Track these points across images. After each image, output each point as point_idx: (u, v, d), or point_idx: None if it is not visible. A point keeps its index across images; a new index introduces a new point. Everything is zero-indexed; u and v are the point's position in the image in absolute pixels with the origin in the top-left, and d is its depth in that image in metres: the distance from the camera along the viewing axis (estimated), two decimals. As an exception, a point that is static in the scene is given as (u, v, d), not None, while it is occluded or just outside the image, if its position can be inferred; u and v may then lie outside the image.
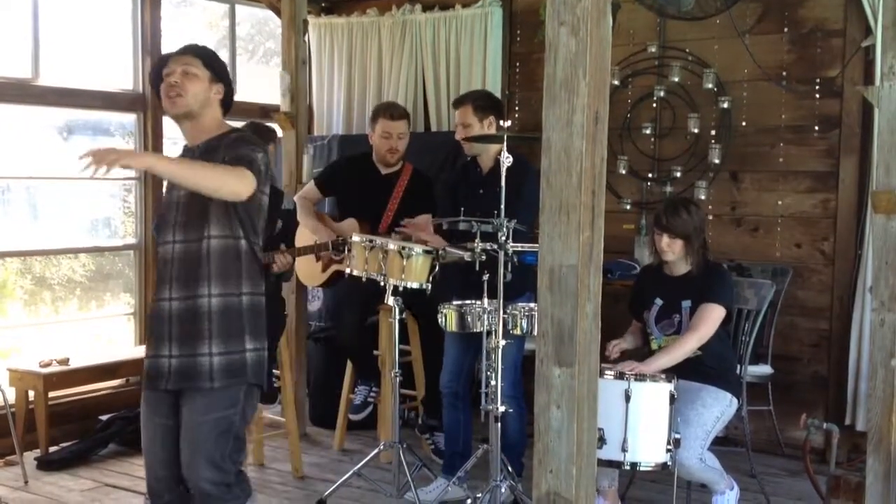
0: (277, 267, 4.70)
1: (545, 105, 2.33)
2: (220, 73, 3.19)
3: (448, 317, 4.20)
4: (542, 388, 2.40)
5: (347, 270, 4.48)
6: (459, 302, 4.23)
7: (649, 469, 3.79)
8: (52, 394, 5.29)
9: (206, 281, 3.03)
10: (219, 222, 3.03)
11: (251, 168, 2.96)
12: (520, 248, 3.91)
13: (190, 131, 3.18)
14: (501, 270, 3.85)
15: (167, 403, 3.13)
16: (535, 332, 3.81)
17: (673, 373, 3.85)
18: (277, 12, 6.02)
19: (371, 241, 4.32)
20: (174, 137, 6.45)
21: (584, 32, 2.24)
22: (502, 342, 3.92)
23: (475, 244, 3.96)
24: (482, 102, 4.55)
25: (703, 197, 5.52)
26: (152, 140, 6.12)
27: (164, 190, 3.29)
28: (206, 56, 3.17)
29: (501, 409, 3.96)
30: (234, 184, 2.92)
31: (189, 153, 3.17)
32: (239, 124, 4.85)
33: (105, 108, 6.04)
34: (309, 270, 5.46)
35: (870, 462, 3.72)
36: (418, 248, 4.21)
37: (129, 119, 6.16)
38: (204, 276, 3.03)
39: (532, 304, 4.08)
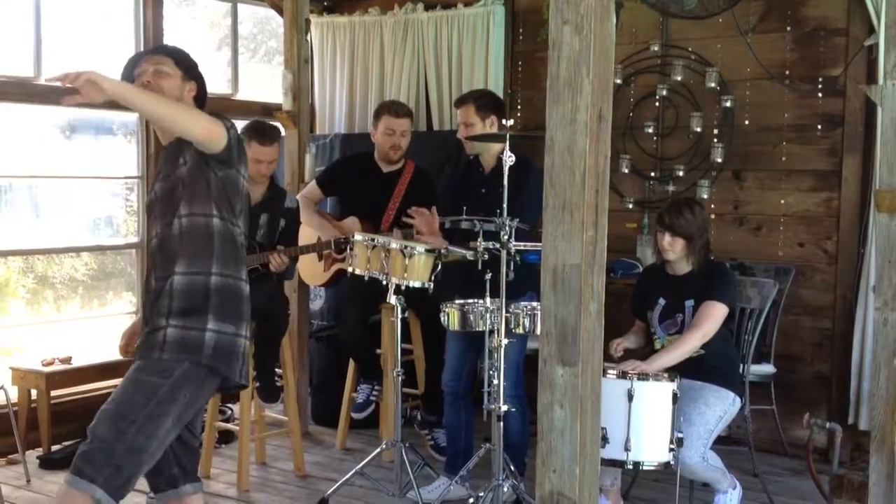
0: (274, 267, 4.70)
1: (548, 103, 2.32)
2: (192, 70, 3.18)
3: (450, 316, 4.19)
4: (545, 387, 2.39)
5: (350, 269, 4.48)
6: (462, 301, 4.22)
7: (652, 468, 3.79)
8: (54, 393, 5.29)
9: (177, 259, 3.00)
10: (190, 201, 2.99)
11: (224, 125, 2.95)
12: (522, 247, 3.90)
13: (164, 129, 3.15)
14: (504, 269, 3.84)
15: None
16: (538, 331, 3.83)
17: (676, 372, 3.85)
18: (280, 11, 6.01)
19: (373, 239, 4.32)
20: (176, 136, 6.45)
21: (587, 31, 2.23)
22: (504, 341, 3.91)
23: (478, 243, 3.96)
24: (484, 101, 4.54)
25: (705, 196, 5.51)
26: (154, 139, 6.11)
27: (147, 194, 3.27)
28: (176, 54, 3.18)
29: (504, 408, 3.95)
30: (206, 124, 2.89)
31: (164, 151, 3.15)
32: (241, 123, 4.88)
33: (107, 107, 5.98)
34: (311, 269, 5.46)
35: (873, 461, 3.72)
36: (420, 247, 4.20)
37: (132, 118, 6.15)
38: (176, 255, 3.00)
39: (534, 303, 4.07)
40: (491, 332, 4.00)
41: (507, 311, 3.93)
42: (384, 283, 4.26)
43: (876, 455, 3.70)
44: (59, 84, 2.82)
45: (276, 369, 4.98)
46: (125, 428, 2.89)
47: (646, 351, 4.22)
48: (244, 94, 6.84)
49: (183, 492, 3.23)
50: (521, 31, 6.27)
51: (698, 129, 5.59)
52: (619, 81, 5.75)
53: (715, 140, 5.56)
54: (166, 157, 3.11)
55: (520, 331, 4.06)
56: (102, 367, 5.63)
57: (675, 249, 4.12)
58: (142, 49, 6.07)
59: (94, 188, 6.17)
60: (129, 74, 3.16)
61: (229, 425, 5.25)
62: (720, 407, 3.99)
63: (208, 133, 2.90)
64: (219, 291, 3.01)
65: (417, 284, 4.21)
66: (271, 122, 5.14)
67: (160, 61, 3.12)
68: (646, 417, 3.66)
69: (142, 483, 4.84)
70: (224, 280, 3.03)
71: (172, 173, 3.04)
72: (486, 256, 3.96)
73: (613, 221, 2.75)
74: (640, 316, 4.33)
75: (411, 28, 6.49)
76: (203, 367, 2.97)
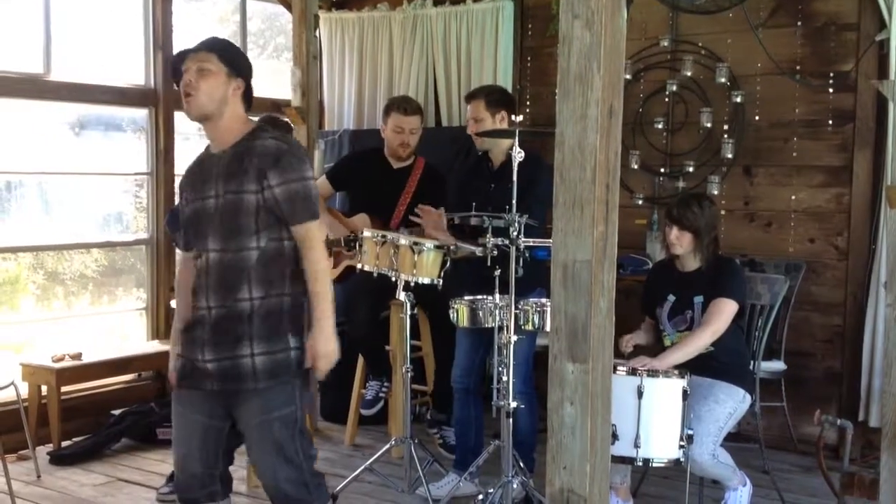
0: None
1: (559, 99, 2.31)
2: (238, 66, 3.12)
3: (459, 312, 4.18)
4: (555, 384, 2.39)
5: (359, 266, 4.48)
6: (471, 297, 4.21)
7: (662, 465, 3.78)
8: (64, 388, 5.31)
9: (248, 286, 3.01)
10: (264, 230, 3.01)
11: (315, 210, 3.04)
12: (531, 244, 3.89)
13: (213, 134, 3.12)
14: (513, 266, 3.83)
15: (211, 403, 3.09)
16: (547, 328, 3.83)
17: (686, 369, 3.84)
18: (288, 7, 6.01)
19: (383, 236, 4.31)
20: (185, 133, 6.46)
21: (598, 25, 2.22)
22: (514, 338, 3.90)
23: (487, 239, 3.95)
24: (494, 97, 4.52)
25: (715, 192, 5.49)
26: (164, 135, 6.12)
27: (186, 197, 3.20)
28: (221, 50, 3.10)
29: (513, 404, 3.95)
30: (322, 239, 3.10)
31: (216, 160, 3.10)
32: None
33: (117, 103, 6.04)
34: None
35: (884, 459, 3.70)
36: (430, 244, 4.20)
37: (141, 114, 6.16)
38: (244, 282, 3.01)
39: (544, 300, 4.07)
40: (500, 328, 3.99)
41: (516, 308, 3.92)
42: (393, 279, 4.26)
43: (887, 452, 3.68)
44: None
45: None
46: (297, 460, 3.08)
47: (656, 348, 4.21)
48: (254, 91, 6.83)
49: None
50: (530, 26, 6.26)
51: (708, 125, 5.56)
52: (628, 77, 5.73)
53: (725, 135, 5.54)
54: (227, 172, 3.04)
55: (529, 327, 4.05)
56: (112, 363, 5.65)
57: (682, 244, 4.10)
58: (151, 45, 6.09)
59: (104, 184, 6.18)
60: (176, 71, 3.10)
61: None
62: (730, 404, 3.97)
63: (322, 253, 3.09)
64: (292, 310, 3.08)
65: (427, 281, 4.20)
66: (282, 118, 5.13)
67: (204, 59, 3.05)
68: (656, 414, 3.65)
69: (150, 479, 4.87)
70: (295, 298, 3.09)
71: (237, 192, 3.01)
72: (496, 253, 3.95)
73: (623, 217, 2.73)
74: (650, 313, 4.31)
75: (420, 24, 6.48)
76: (300, 379, 3.11)
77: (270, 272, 3.03)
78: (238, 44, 6.78)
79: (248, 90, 3.15)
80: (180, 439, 3.16)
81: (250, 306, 3.01)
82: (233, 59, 3.11)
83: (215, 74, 3.05)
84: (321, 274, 3.05)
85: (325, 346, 3.03)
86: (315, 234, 3.05)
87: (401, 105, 5.17)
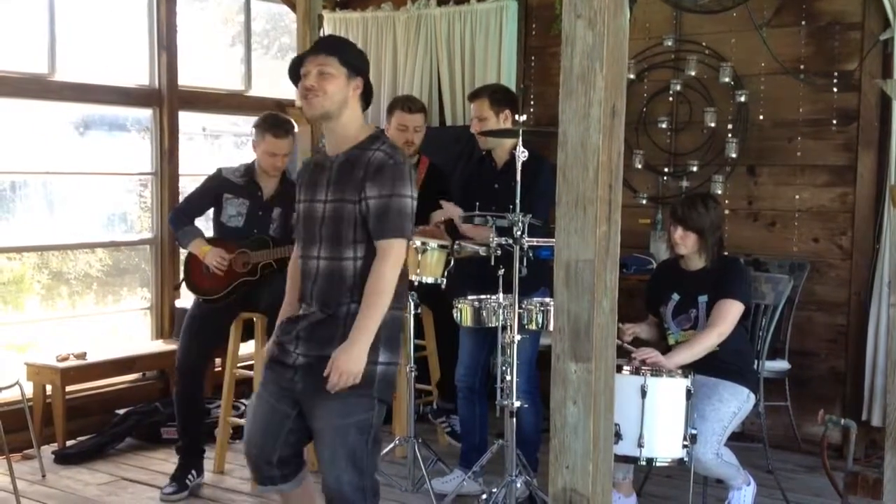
0: None
1: (561, 99, 2.31)
2: (357, 66, 3.10)
3: (463, 312, 4.18)
4: (558, 383, 2.39)
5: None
6: (474, 297, 4.21)
7: (666, 465, 3.78)
8: (69, 388, 5.32)
9: (348, 295, 3.03)
10: (362, 242, 3.02)
11: (404, 229, 3.00)
12: (535, 243, 3.89)
13: (330, 135, 3.14)
14: (516, 265, 3.83)
15: (284, 390, 3.11)
16: (551, 327, 3.83)
17: (690, 368, 3.84)
18: (292, 7, 6.01)
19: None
20: (189, 133, 6.48)
21: (601, 25, 2.22)
22: (517, 337, 3.91)
23: (490, 238, 3.95)
24: (498, 96, 4.52)
25: (719, 191, 5.49)
26: (168, 135, 6.13)
27: (299, 196, 3.21)
28: (341, 52, 3.09)
29: (517, 404, 3.95)
30: (400, 261, 3.01)
31: (329, 164, 3.10)
32: (254, 119, 4.88)
33: (121, 103, 6.06)
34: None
35: (887, 458, 3.71)
36: (433, 243, 4.20)
37: (145, 114, 6.17)
38: (345, 291, 3.03)
39: (547, 299, 4.07)
40: (504, 328, 4.00)
41: (519, 307, 3.92)
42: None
43: (891, 452, 3.69)
44: None
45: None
46: (363, 466, 3.09)
47: (660, 346, 4.21)
48: (257, 91, 6.85)
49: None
50: (533, 26, 6.26)
51: (712, 124, 5.56)
52: (632, 76, 5.73)
53: (729, 135, 5.54)
54: (336, 178, 3.06)
55: (533, 327, 4.05)
56: (117, 363, 5.66)
57: (686, 244, 4.10)
58: (155, 44, 6.10)
59: (109, 184, 6.19)
60: (295, 75, 3.12)
61: (243, 421, 5.25)
62: (734, 403, 3.97)
63: (395, 272, 3.00)
64: (388, 324, 3.04)
65: (430, 280, 4.21)
66: (284, 116, 5.14)
67: (324, 62, 3.04)
68: (659, 414, 3.65)
69: (155, 479, 4.88)
70: (392, 313, 3.05)
71: (341, 201, 3.03)
72: (499, 252, 3.95)
73: (627, 217, 2.73)
74: (654, 311, 4.31)
75: (424, 23, 6.49)
76: (377, 401, 3.08)
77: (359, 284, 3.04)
78: (241, 44, 6.81)
79: (366, 89, 3.13)
80: (249, 416, 3.23)
81: (346, 311, 3.02)
82: (351, 59, 3.09)
83: (336, 77, 3.03)
84: (382, 292, 2.97)
85: (347, 363, 2.94)
86: (395, 252, 2.99)
87: (404, 103, 5.17)
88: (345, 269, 3.03)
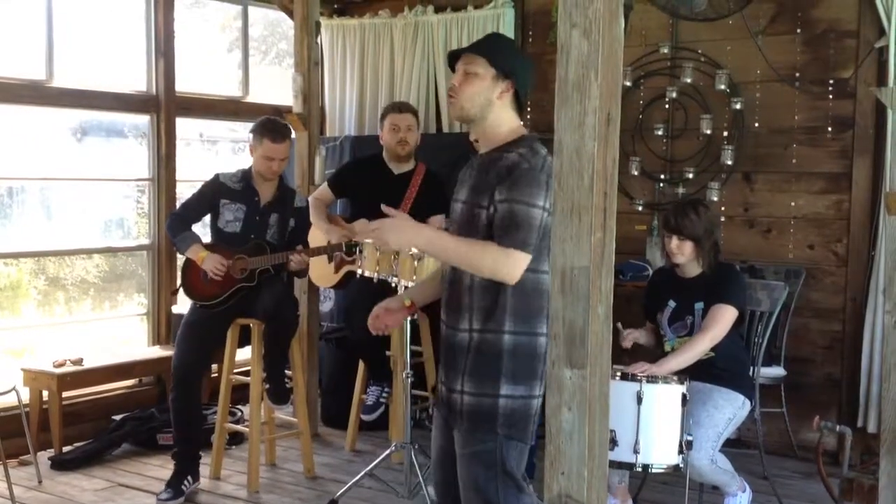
0: (295, 266, 4.72)
1: (557, 107, 2.32)
2: (507, 68, 2.88)
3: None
4: (553, 389, 2.40)
5: (359, 271, 4.49)
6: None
7: (661, 471, 3.78)
8: (65, 394, 5.32)
9: (468, 313, 2.80)
10: None
11: (526, 241, 2.69)
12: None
13: (479, 137, 2.99)
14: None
15: (448, 427, 2.95)
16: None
17: (685, 374, 3.84)
18: (290, 14, 6.03)
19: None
20: (187, 139, 6.49)
21: (596, 34, 2.23)
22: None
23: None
24: None
25: (715, 198, 5.51)
26: (165, 141, 6.14)
27: (453, 196, 3.01)
28: (491, 52, 2.90)
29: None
30: (505, 273, 2.71)
31: (474, 165, 2.94)
32: (250, 125, 4.90)
33: (119, 109, 6.07)
34: (321, 271, 5.48)
35: (883, 464, 3.71)
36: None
37: (143, 120, 6.18)
38: (466, 308, 2.81)
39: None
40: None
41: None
42: (394, 285, 4.27)
43: (886, 458, 3.69)
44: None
45: (286, 371, 4.99)
46: (493, 500, 2.87)
47: (657, 352, 4.22)
48: (255, 97, 6.87)
49: None
50: (530, 33, 6.28)
51: (708, 132, 5.58)
52: (628, 83, 5.75)
53: (725, 142, 5.56)
54: (474, 180, 2.86)
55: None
56: (113, 369, 5.66)
57: (683, 252, 4.11)
58: (153, 51, 6.11)
59: (106, 190, 6.21)
60: (452, 69, 2.99)
61: (239, 427, 5.27)
62: (730, 409, 3.98)
63: (493, 274, 2.72)
64: (512, 351, 2.80)
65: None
66: (282, 120, 5.16)
67: (471, 61, 2.87)
68: (655, 420, 3.66)
69: (151, 485, 4.87)
70: (517, 339, 2.81)
71: (473, 204, 2.83)
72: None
73: (623, 223, 2.74)
74: (651, 318, 4.33)
75: (421, 30, 6.50)
76: (507, 438, 2.87)
77: (487, 300, 2.79)
78: (239, 50, 6.82)
79: (518, 90, 2.90)
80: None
81: (468, 338, 2.81)
82: (503, 60, 2.89)
83: (480, 78, 2.86)
84: (481, 261, 2.73)
85: (390, 229, 2.80)
86: (515, 263, 2.71)
87: (394, 106, 5.35)
88: (464, 279, 2.83)
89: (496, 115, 2.89)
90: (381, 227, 2.83)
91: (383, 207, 2.94)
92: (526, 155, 2.78)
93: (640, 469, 3.73)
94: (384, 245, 2.88)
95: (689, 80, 5.62)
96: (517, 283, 2.74)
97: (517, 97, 2.91)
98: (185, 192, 6.12)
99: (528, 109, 6.24)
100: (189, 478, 4.70)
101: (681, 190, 5.72)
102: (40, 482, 4.86)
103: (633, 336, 4.22)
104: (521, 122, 2.95)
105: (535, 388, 2.81)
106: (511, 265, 2.71)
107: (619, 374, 3.71)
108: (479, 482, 2.82)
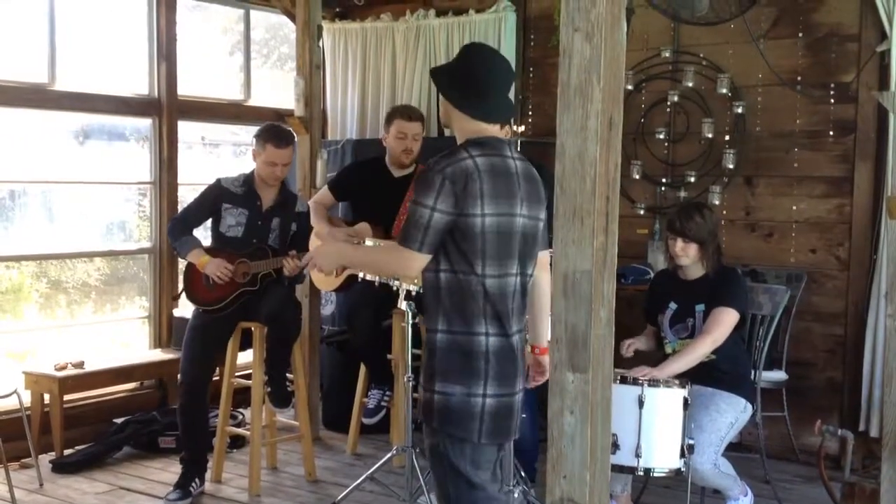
0: (288, 271, 4.71)
1: (559, 111, 2.33)
2: (442, 84, 3.01)
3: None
4: (555, 393, 2.40)
5: (361, 275, 4.49)
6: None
7: (663, 475, 3.79)
8: (67, 397, 5.32)
9: (427, 313, 2.92)
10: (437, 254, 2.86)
11: (408, 237, 2.78)
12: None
13: None
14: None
15: None
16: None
17: (687, 378, 3.85)
18: (292, 17, 6.04)
19: (384, 245, 4.32)
20: (188, 142, 6.49)
21: (598, 39, 2.24)
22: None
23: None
24: None
25: (717, 202, 5.51)
26: (167, 145, 6.14)
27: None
28: (433, 74, 3.11)
29: (514, 413, 3.94)
30: (398, 268, 2.95)
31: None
32: (254, 129, 4.90)
33: (120, 112, 6.07)
34: (323, 275, 5.47)
35: (884, 468, 3.71)
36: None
37: (145, 124, 6.19)
38: (426, 308, 2.93)
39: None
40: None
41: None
42: (395, 288, 4.27)
43: (887, 462, 3.69)
44: None
45: (287, 374, 4.99)
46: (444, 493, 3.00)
47: (657, 355, 4.22)
48: (256, 100, 6.87)
49: None
50: (532, 37, 6.28)
51: (710, 135, 5.58)
52: (630, 87, 5.75)
53: (726, 146, 5.56)
54: None
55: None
56: (115, 372, 5.66)
57: (688, 254, 4.11)
58: (155, 54, 6.11)
59: (108, 193, 6.21)
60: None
61: (240, 430, 5.26)
62: (731, 413, 3.98)
63: (394, 272, 3.03)
64: (446, 350, 2.90)
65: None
66: (285, 126, 5.16)
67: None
68: (657, 424, 3.66)
69: (152, 488, 4.87)
70: (449, 337, 2.89)
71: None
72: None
73: (624, 227, 2.74)
74: (652, 320, 4.33)
75: (423, 34, 6.51)
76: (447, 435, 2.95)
77: (430, 300, 2.90)
78: (241, 53, 6.83)
79: (458, 100, 2.93)
80: None
81: (426, 336, 2.92)
82: (437, 78, 3.04)
83: (443, 102, 2.99)
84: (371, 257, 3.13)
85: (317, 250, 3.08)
86: (400, 258, 2.87)
87: (404, 112, 5.22)
88: (426, 282, 2.93)
89: (457, 125, 2.98)
90: (314, 256, 3.06)
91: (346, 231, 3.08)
92: (436, 159, 2.85)
93: (641, 473, 3.73)
94: (322, 271, 3.08)
95: (690, 84, 5.62)
96: (446, 284, 2.83)
97: (460, 108, 2.93)
98: (186, 195, 6.13)
99: (530, 113, 6.26)
100: (197, 479, 4.71)
101: (682, 194, 5.71)
102: (41, 485, 4.85)
103: (634, 346, 4.23)
104: (484, 126, 2.93)
105: (475, 386, 2.84)
106: (400, 261, 2.85)
107: (619, 377, 3.71)
108: (436, 475, 2.95)
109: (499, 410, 2.86)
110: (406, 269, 2.88)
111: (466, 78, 2.93)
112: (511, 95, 3.11)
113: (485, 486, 2.89)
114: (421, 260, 2.81)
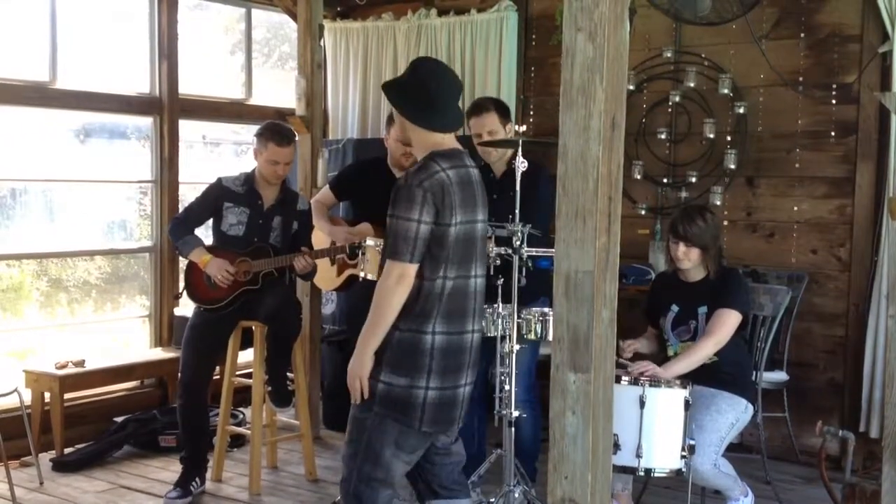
0: (299, 268, 4.71)
1: (562, 110, 2.33)
2: (393, 99, 3.27)
3: (462, 321, 4.17)
4: (557, 393, 2.40)
5: (361, 274, 4.48)
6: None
7: (664, 475, 3.78)
8: (67, 395, 5.32)
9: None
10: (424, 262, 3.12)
11: (396, 251, 3.05)
12: (534, 253, 3.90)
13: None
14: (516, 275, 3.84)
15: None
16: (549, 337, 3.83)
17: (688, 378, 3.84)
18: (293, 16, 6.04)
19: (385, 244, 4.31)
20: (189, 141, 6.49)
21: (601, 38, 2.24)
22: (516, 347, 3.91)
23: (489, 248, 3.95)
24: (504, 108, 4.58)
25: (718, 202, 5.50)
26: (168, 143, 6.14)
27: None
28: (385, 88, 3.31)
29: (515, 413, 3.95)
30: (392, 281, 3.07)
31: None
32: (255, 128, 4.89)
33: (122, 111, 6.07)
34: (324, 274, 5.47)
35: (885, 469, 3.70)
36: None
37: (146, 122, 6.19)
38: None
39: (546, 309, 4.07)
40: (503, 337, 4.00)
41: (518, 317, 3.93)
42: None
43: (888, 463, 3.68)
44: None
45: (288, 374, 4.98)
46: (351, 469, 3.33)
47: (658, 357, 4.21)
48: (257, 99, 6.87)
49: None
50: (533, 36, 6.27)
51: (711, 136, 5.58)
52: (631, 87, 5.74)
53: (728, 146, 5.56)
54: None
55: (532, 337, 4.05)
56: (115, 370, 5.66)
57: (690, 258, 4.10)
58: (156, 53, 6.11)
59: (108, 192, 6.21)
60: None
61: (241, 429, 5.26)
62: (732, 414, 3.97)
63: (392, 286, 3.08)
64: (397, 345, 3.18)
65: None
66: (287, 125, 5.16)
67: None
68: (658, 424, 3.66)
69: (152, 487, 4.87)
70: (401, 335, 3.16)
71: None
72: (498, 262, 3.95)
73: (626, 227, 2.74)
74: (653, 322, 4.32)
75: (424, 34, 6.50)
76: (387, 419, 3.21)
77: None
78: (242, 52, 6.83)
79: (410, 114, 3.20)
80: None
81: (392, 335, 3.15)
82: (391, 96, 3.28)
83: (399, 119, 3.29)
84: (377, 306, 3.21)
85: (351, 367, 3.24)
86: (390, 271, 3.10)
87: None
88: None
89: (415, 138, 3.22)
90: (351, 379, 3.22)
91: None
92: (410, 173, 3.08)
93: (642, 473, 3.72)
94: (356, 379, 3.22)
95: (692, 85, 5.62)
96: (413, 287, 3.08)
97: (414, 121, 3.18)
98: (187, 194, 6.13)
99: (531, 112, 6.25)
100: (197, 479, 4.71)
101: (684, 194, 5.71)
102: (42, 483, 4.85)
103: (634, 347, 4.22)
104: (441, 137, 3.18)
105: (418, 379, 3.11)
106: (392, 274, 3.06)
107: (622, 378, 3.71)
108: (350, 439, 3.22)
109: (441, 401, 3.13)
110: (402, 282, 3.07)
111: (417, 92, 3.16)
112: (460, 104, 3.29)
113: (389, 465, 3.18)
114: (413, 269, 3.06)
